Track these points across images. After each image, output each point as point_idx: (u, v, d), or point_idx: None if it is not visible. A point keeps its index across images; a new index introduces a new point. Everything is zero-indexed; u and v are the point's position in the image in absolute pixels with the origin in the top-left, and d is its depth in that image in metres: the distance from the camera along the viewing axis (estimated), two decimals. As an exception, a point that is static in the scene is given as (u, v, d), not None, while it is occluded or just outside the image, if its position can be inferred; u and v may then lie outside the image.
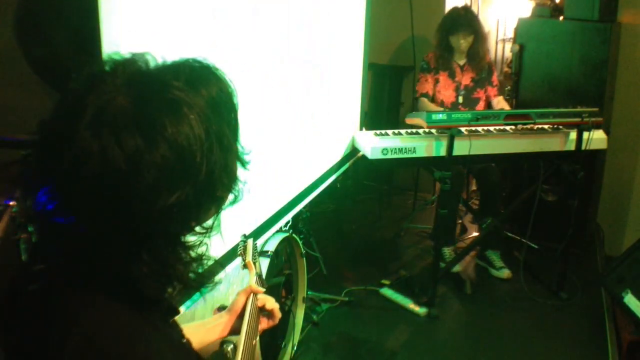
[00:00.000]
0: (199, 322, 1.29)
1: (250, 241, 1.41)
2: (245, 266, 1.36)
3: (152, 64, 0.75)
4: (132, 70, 0.73)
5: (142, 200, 0.69)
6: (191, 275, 0.81)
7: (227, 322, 1.26)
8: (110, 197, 0.69)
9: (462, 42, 3.50)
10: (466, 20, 3.48)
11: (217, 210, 0.82)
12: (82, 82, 0.72)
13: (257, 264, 1.37)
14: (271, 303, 1.29)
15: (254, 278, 1.32)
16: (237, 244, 1.40)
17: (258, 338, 1.26)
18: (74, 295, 0.75)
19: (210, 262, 0.84)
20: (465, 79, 3.60)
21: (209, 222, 0.83)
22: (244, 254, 1.38)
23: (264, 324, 1.31)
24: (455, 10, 3.61)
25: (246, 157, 0.84)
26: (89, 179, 0.68)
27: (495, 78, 3.69)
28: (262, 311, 1.29)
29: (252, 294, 1.26)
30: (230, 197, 0.83)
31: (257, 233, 2.31)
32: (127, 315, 0.76)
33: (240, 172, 0.85)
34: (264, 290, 1.30)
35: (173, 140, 0.69)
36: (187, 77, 0.74)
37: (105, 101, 0.69)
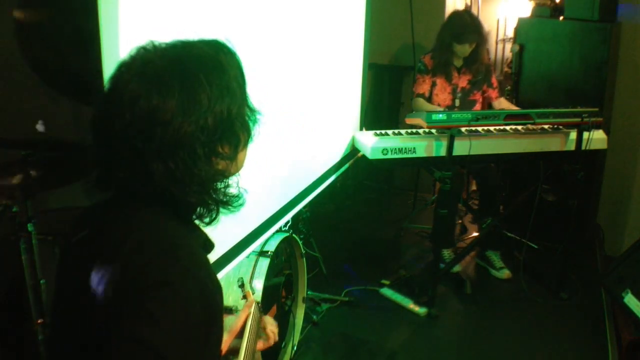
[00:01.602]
0: None
1: (247, 282, 1.67)
2: (244, 297, 1.56)
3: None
4: (164, 43, 0.97)
5: (180, 125, 0.90)
6: (221, 193, 1.02)
7: (226, 341, 1.36)
8: (157, 128, 0.90)
9: (468, 50, 3.47)
10: (473, 27, 3.42)
11: (236, 145, 1.01)
12: (125, 58, 0.95)
13: (254, 294, 1.60)
14: (268, 323, 1.44)
15: (252, 304, 1.45)
16: (237, 282, 1.66)
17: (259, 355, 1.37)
18: (128, 211, 0.95)
19: (237, 186, 1.06)
20: (462, 82, 3.58)
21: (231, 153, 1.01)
22: (242, 286, 1.61)
23: (260, 344, 1.43)
24: (460, 16, 3.52)
25: (257, 110, 1.05)
26: (135, 117, 0.90)
27: (494, 80, 3.66)
28: (259, 332, 1.42)
29: (251, 315, 1.38)
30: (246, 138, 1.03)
31: (257, 233, 2.31)
32: (172, 226, 0.96)
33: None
34: (258, 302, 1.45)
35: (204, 86, 0.93)
36: (209, 43, 1.00)
37: (146, 62, 0.93)
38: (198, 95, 0.92)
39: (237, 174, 1.06)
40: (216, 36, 1.04)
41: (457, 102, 3.57)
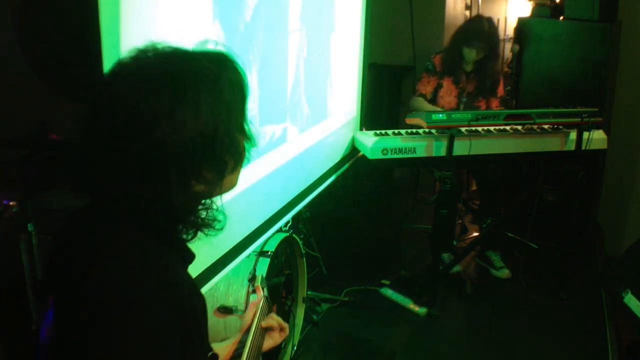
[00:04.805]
0: (216, 343, 1.36)
1: (259, 275, 1.62)
2: (254, 291, 1.56)
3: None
4: (169, 48, 0.93)
5: (160, 136, 0.86)
6: (199, 217, 0.98)
7: (238, 338, 1.36)
8: (136, 135, 0.86)
9: (474, 56, 3.43)
10: (486, 36, 3.36)
11: (221, 170, 0.95)
12: (125, 57, 0.92)
13: (264, 289, 1.54)
14: (275, 322, 1.39)
15: (261, 300, 1.44)
16: (248, 272, 1.67)
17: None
18: (99, 228, 0.91)
19: (216, 210, 1.01)
20: (470, 86, 3.56)
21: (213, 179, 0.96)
22: (253, 280, 1.60)
23: (270, 341, 1.40)
24: (479, 21, 3.43)
25: (254, 135, 1.01)
26: (118, 118, 0.87)
27: (501, 89, 3.62)
28: (268, 329, 1.39)
29: (259, 311, 1.38)
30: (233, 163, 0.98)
31: (257, 233, 2.31)
32: (146, 249, 0.90)
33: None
34: (266, 298, 1.44)
35: (194, 101, 0.88)
36: (213, 58, 0.95)
37: (142, 65, 0.90)
38: (184, 111, 0.88)
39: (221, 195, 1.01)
40: (225, 49, 0.99)
41: (462, 107, 3.54)
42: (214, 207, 1.01)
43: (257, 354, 1.31)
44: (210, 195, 0.98)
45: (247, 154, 1.01)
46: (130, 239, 0.90)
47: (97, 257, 0.87)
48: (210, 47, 0.98)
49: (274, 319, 1.39)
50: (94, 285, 0.84)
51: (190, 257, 1.03)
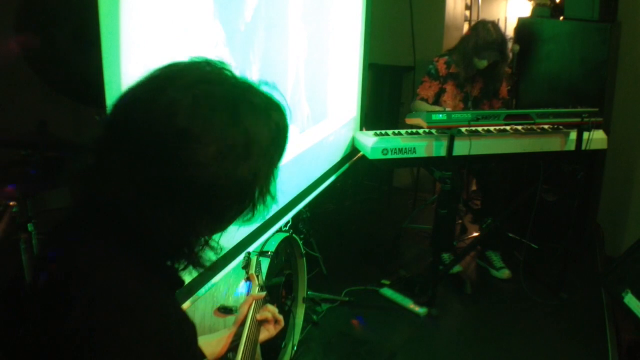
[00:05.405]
0: (209, 335, 1.36)
1: (254, 258, 1.57)
2: (248, 278, 1.52)
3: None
4: (230, 72, 0.87)
5: (197, 163, 0.79)
6: (193, 253, 0.90)
7: (233, 331, 1.36)
8: (174, 155, 0.79)
9: (486, 64, 3.40)
10: (498, 45, 3.33)
11: (236, 214, 0.90)
12: (183, 63, 0.86)
13: (259, 276, 1.52)
14: (270, 313, 1.39)
15: (256, 289, 1.45)
16: (242, 259, 1.57)
17: (258, 348, 1.35)
18: (94, 234, 0.84)
19: (216, 250, 0.94)
20: (475, 90, 3.55)
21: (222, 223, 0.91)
22: (247, 267, 1.54)
23: (265, 334, 1.41)
24: (486, 29, 3.35)
25: (276, 193, 0.94)
26: (164, 129, 0.79)
27: (503, 90, 3.61)
28: (263, 322, 1.40)
29: (254, 303, 1.37)
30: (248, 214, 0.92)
31: (257, 233, 2.31)
32: (136, 276, 0.83)
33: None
34: (264, 294, 1.43)
35: (247, 130, 0.82)
36: (265, 98, 0.89)
37: (205, 77, 0.83)
38: (233, 148, 0.81)
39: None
40: (276, 94, 0.93)
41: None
42: (212, 243, 0.94)
43: (253, 347, 1.31)
44: (211, 232, 0.93)
45: (265, 209, 0.94)
46: (125, 248, 0.85)
47: (90, 262, 0.83)
48: (265, 88, 0.92)
49: (269, 311, 1.39)
50: (86, 292, 0.80)
51: (179, 284, 0.97)
